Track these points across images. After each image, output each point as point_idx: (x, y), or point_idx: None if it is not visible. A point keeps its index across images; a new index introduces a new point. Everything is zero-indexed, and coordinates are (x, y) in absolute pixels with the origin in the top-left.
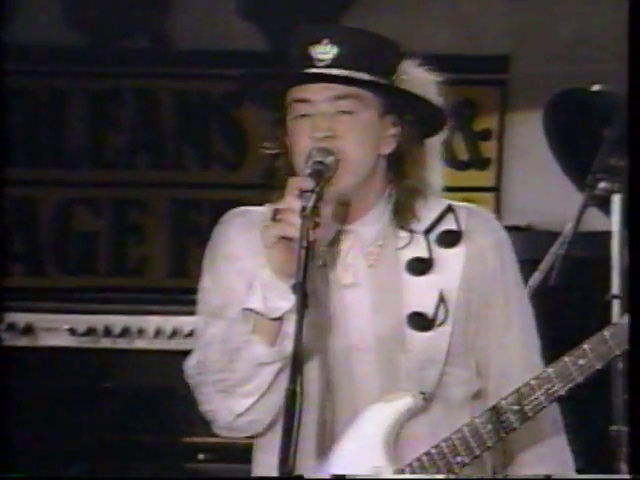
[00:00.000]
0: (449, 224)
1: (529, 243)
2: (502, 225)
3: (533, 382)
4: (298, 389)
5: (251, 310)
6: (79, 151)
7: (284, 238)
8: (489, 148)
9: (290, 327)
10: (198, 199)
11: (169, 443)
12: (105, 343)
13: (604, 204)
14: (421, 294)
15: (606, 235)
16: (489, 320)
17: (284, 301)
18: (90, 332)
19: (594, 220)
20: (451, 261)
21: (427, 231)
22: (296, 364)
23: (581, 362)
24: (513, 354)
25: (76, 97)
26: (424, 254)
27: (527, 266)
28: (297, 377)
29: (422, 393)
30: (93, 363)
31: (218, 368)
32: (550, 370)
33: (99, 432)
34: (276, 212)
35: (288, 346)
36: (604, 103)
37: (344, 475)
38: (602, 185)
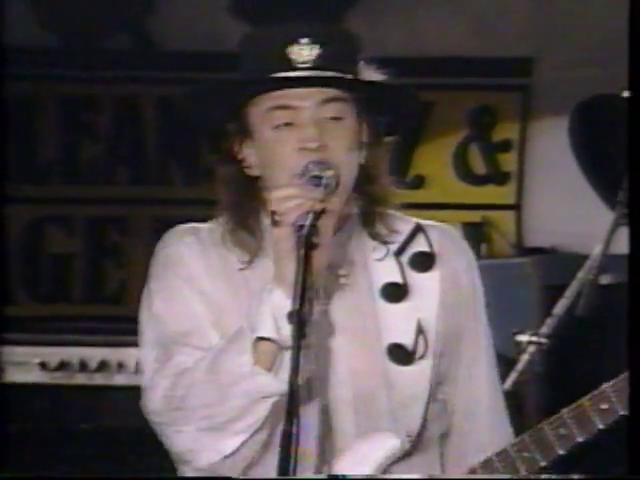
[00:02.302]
0: (420, 245)
1: (554, 267)
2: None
3: (510, 449)
4: (294, 430)
5: (265, 339)
6: (51, 164)
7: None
8: (509, 161)
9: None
10: (185, 218)
11: None
12: (80, 379)
13: None
14: (399, 323)
15: None
16: (460, 350)
17: None
18: (63, 366)
19: (626, 241)
20: (426, 287)
21: (398, 252)
22: (292, 402)
23: (562, 432)
24: (480, 388)
25: (48, 103)
26: (398, 279)
27: (551, 292)
28: (293, 417)
29: (408, 435)
30: (67, 402)
31: (205, 403)
32: (527, 437)
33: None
34: (274, 214)
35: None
36: None
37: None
38: None
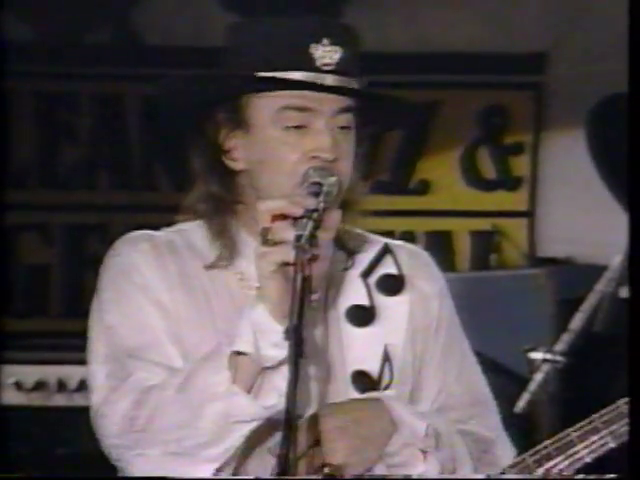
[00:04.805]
0: (388, 267)
1: (569, 278)
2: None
3: (528, 458)
4: (291, 455)
5: (240, 354)
6: (27, 167)
7: (287, 264)
8: (521, 164)
9: (278, 379)
10: (171, 225)
11: None
12: (59, 400)
13: None
14: (364, 349)
15: None
16: (421, 384)
17: (278, 349)
18: (40, 386)
19: None
20: (394, 311)
21: (365, 274)
22: (289, 425)
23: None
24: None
25: (23, 102)
26: (365, 302)
27: (567, 306)
28: (290, 440)
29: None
30: (44, 424)
31: (174, 424)
32: (549, 444)
33: None
34: (266, 233)
35: (272, 402)
36: None
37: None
38: None
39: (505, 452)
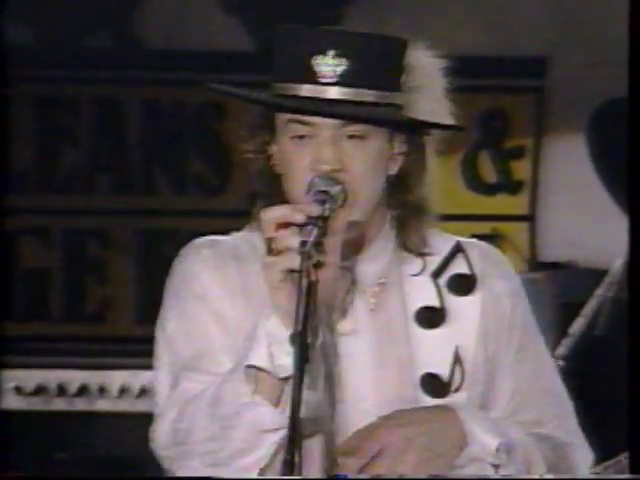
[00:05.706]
0: (460, 266)
1: (570, 283)
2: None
3: (624, 460)
4: (296, 459)
5: (256, 368)
6: (27, 171)
7: (293, 271)
8: (522, 168)
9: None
10: (172, 230)
11: None
12: (59, 404)
13: None
14: (434, 351)
15: None
16: (494, 385)
17: (292, 357)
18: (41, 391)
19: None
20: (466, 312)
21: (436, 274)
22: (294, 430)
23: None
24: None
25: (23, 106)
26: (435, 303)
27: (568, 310)
28: (295, 446)
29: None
30: (44, 429)
31: (207, 436)
32: None
33: None
34: (271, 243)
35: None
36: None
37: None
38: None
39: (584, 457)
